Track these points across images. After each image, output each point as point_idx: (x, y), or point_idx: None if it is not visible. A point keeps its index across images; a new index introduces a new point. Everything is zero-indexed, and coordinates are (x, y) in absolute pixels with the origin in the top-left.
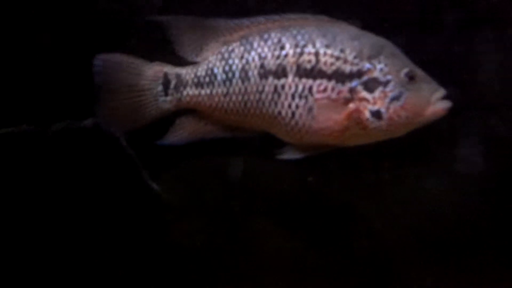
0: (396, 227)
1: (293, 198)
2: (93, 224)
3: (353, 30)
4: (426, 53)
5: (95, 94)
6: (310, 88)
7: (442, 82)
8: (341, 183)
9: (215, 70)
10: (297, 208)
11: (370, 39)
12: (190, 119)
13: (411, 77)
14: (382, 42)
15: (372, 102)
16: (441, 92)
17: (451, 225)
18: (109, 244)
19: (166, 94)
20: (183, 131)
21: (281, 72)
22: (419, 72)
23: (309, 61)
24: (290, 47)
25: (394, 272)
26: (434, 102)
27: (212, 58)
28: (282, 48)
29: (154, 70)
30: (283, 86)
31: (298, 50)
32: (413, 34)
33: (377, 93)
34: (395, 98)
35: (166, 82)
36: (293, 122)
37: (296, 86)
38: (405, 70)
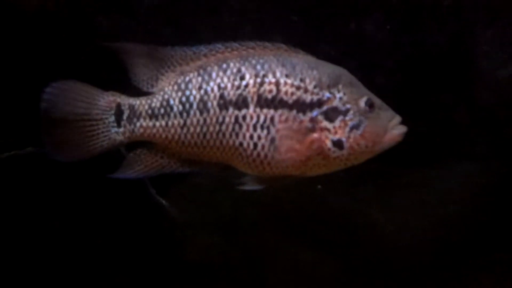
0: (406, 232)
1: (302, 207)
2: (107, 245)
3: (310, 59)
4: None
5: (42, 122)
6: (272, 119)
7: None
8: (349, 190)
9: (171, 101)
10: (307, 218)
11: (328, 68)
12: (145, 152)
13: (370, 105)
14: (339, 71)
15: (333, 132)
16: (398, 119)
17: (462, 228)
18: (122, 263)
19: (119, 126)
20: (138, 165)
21: (242, 103)
22: (376, 100)
23: (270, 91)
24: (250, 77)
25: (406, 277)
26: (391, 129)
27: (168, 89)
28: (242, 78)
29: (107, 100)
30: (244, 117)
31: (259, 80)
32: None
33: (338, 122)
34: (354, 127)
35: (118, 113)
36: (255, 154)
37: (258, 117)
38: (364, 99)
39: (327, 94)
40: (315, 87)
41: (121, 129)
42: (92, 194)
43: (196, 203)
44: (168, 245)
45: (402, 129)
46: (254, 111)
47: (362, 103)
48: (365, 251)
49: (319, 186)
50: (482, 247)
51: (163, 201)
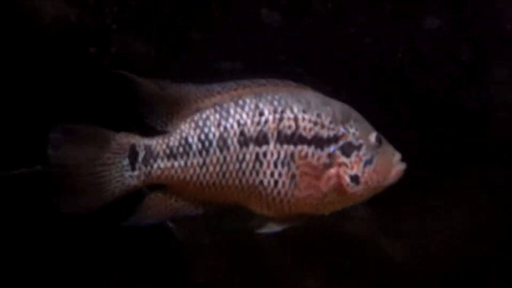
0: (416, 261)
1: (311, 232)
2: (114, 264)
3: (319, 95)
4: None
5: (50, 171)
6: (292, 155)
7: None
8: (361, 216)
9: (190, 140)
10: (315, 243)
11: (337, 104)
12: (159, 196)
13: (379, 141)
14: (347, 107)
15: (350, 167)
16: (399, 155)
17: (471, 256)
18: (127, 283)
19: (133, 169)
20: (152, 211)
21: (262, 139)
22: (381, 136)
23: (290, 127)
24: (269, 113)
25: None
26: (396, 165)
27: (185, 127)
28: (261, 114)
29: (119, 142)
30: (265, 154)
31: (278, 115)
32: None
33: (353, 157)
34: (368, 162)
35: (133, 155)
36: (275, 192)
37: (278, 153)
38: (375, 134)
39: (342, 130)
40: (330, 122)
41: (136, 173)
42: (99, 214)
43: (204, 226)
44: (173, 265)
45: (403, 166)
46: (275, 147)
47: (372, 138)
48: (374, 279)
49: None
50: (491, 280)
51: (170, 224)
